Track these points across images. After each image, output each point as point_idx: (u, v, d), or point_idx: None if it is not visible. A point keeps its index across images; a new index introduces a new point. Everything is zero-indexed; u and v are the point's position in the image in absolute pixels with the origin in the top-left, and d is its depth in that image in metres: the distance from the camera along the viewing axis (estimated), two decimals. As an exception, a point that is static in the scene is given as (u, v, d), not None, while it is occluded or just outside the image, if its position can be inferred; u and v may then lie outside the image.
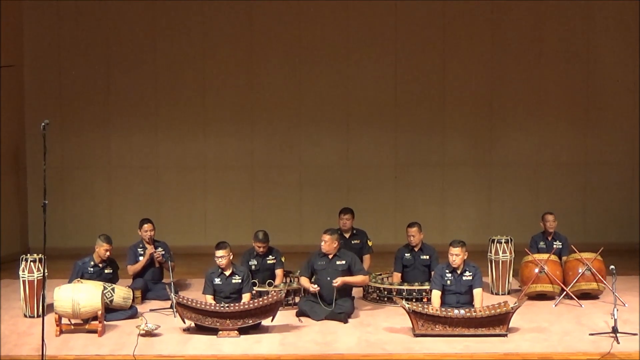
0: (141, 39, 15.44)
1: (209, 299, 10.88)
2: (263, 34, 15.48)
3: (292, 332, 10.60)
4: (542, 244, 12.64)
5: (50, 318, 10.42)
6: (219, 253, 10.89)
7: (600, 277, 11.81)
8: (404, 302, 10.50)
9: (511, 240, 12.36)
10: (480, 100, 15.62)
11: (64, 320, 10.54)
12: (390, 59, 15.54)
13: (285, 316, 11.04)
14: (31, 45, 15.35)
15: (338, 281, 11.08)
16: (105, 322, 10.57)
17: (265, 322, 10.61)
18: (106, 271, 11.44)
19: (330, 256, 11.29)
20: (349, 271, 11.27)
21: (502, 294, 12.19)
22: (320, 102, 15.58)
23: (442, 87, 15.59)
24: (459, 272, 10.88)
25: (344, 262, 11.28)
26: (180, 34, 15.47)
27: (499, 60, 15.57)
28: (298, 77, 15.55)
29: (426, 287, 11.53)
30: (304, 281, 11.36)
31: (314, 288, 11.14)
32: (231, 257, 11.01)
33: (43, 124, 9.21)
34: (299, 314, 11.19)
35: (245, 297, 10.87)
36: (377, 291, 11.90)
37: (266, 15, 15.46)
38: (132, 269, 12.25)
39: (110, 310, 10.94)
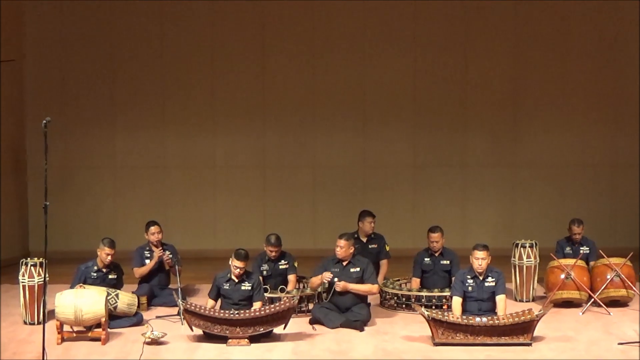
0: (148, 32, 15.44)
1: (210, 302, 10.75)
2: (275, 29, 15.47)
3: (305, 340, 10.45)
4: (568, 249, 12.57)
5: (51, 325, 10.30)
6: (238, 264, 10.70)
7: (630, 283, 11.69)
8: (423, 309, 10.35)
9: (536, 244, 12.23)
10: (503, 98, 15.64)
11: (66, 328, 10.39)
12: (410, 53, 15.52)
13: (298, 324, 10.90)
14: (32, 39, 15.36)
15: (341, 284, 10.91)
16: (109, 330, 10.44)
17: (277, 329, 10.45)
18: (110, 276, 11.34)
19: (344, 263, 11.12)
20: (362, 278, 11.12)
21: (526, 301, 12.08)
22: (335, 99, 15.55)
23: (463, 84, 15.56)
24: (481, 277, 10.70)
25: (358, 269, 11.12)
26: (189, 26, 15.46)
27: (523, 57, 15.57)
28: (312, 73, 15.52)
29: (446, 293, 11.39)
30: (316, 278, 11.11)
31: (328, 276, 10.92)
32: None
33: (44, 121, 9.11)
34: (312, 322, 11.03)
35: (256, 305, 10.71)
36: (395, 297, 11.78)
37: (278, 10, 15.45)
38: (139, 271, 12.13)
39: (114, 317, 10.81)
